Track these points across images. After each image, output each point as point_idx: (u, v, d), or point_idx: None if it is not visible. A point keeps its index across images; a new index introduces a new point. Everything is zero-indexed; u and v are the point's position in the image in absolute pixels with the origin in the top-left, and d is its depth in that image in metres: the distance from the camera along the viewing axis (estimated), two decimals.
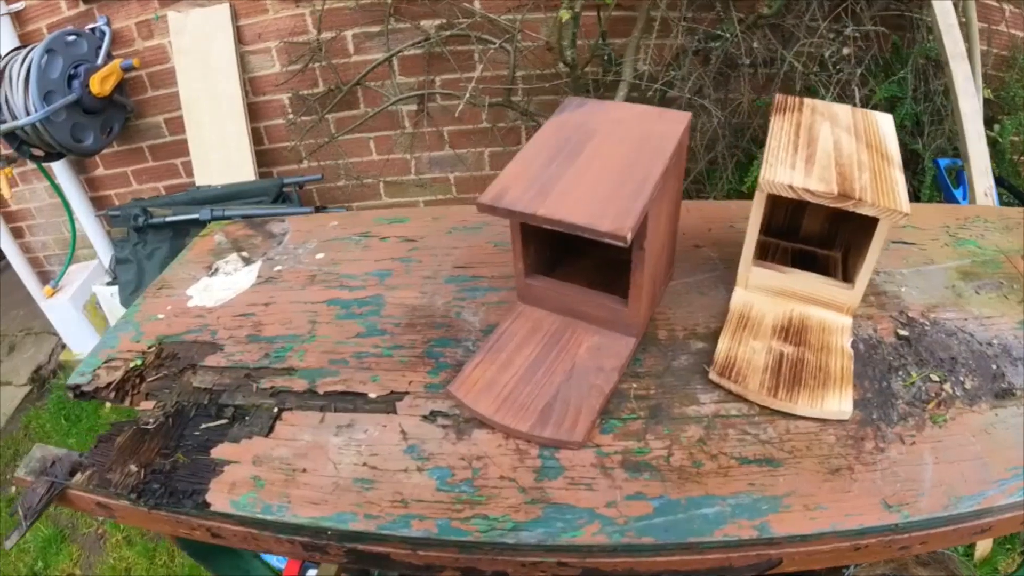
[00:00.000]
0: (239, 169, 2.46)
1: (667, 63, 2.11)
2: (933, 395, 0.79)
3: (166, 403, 0.85)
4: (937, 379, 0.82)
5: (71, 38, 2.31)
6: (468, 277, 0.99)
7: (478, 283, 0.98)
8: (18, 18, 2.52)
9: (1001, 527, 0.70)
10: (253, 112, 2.56)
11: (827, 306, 0.89)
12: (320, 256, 1.10)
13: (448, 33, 2.21)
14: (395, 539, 0.66)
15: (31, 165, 2.67)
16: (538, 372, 0.78)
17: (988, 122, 2.43)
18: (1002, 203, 2.31)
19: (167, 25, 2.46)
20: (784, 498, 0.68)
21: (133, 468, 0.77)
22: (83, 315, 2.86)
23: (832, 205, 0.77)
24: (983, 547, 1.97)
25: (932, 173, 2.30)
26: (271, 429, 0.78)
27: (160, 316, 1.02)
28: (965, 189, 2.01)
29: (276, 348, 0.91)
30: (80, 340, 2.92)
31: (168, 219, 2.27)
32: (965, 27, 2.05)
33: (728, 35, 2.02)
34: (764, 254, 0.99)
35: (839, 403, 0.76)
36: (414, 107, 2.51)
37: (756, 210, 0.84)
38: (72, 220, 2.83)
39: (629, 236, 0.65)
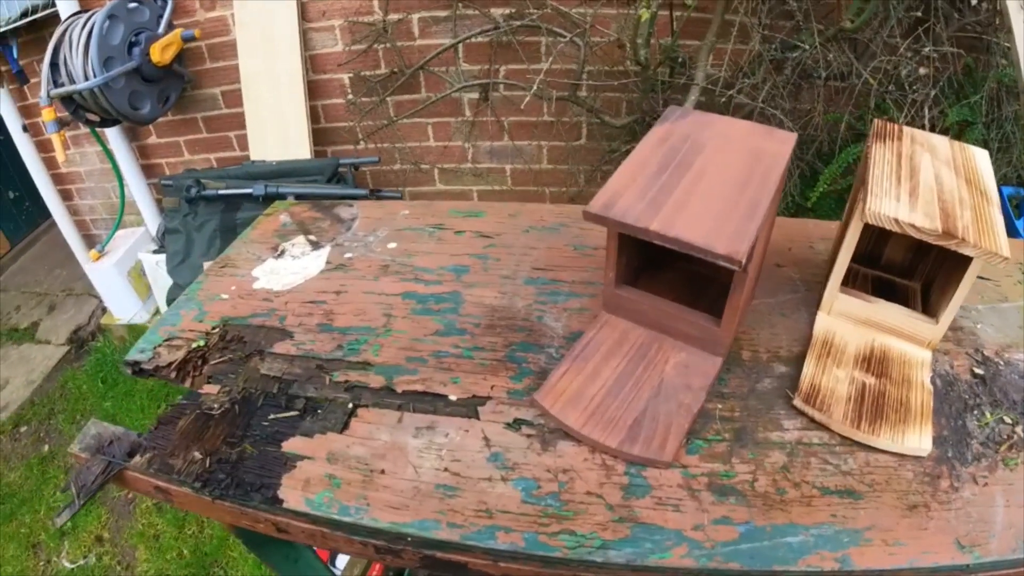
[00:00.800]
0: (295, 146, 2.45)
1: (740, 70, 2.06)
2: (1005, 437, 0.78)
3: (232, 389, 0.84)
4: (1010, 421, 0.80)
5: (133, 5, 2.30)
6: (548, 280, 0.97)
7: (559, 287, 0.95)
8: None
9: None
10: (312, 90, 2.55)
11: (909, 339, 0.88)
12: (392, 246, 1.08)
13: (518, 23, 2.18)
14: (479, 550, 0.65)
15: (84, 129, 2.68)
16: (626, 386, 0.77)
17: None
18: None
19: None
20: (865, 531, 0.67)
21: (197, 455, 0.76)
22: (127, 281, 2.88)
23: (935, 243, 0.75)
24: None
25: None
26: (346, 425, 0.77)
27: (224, 296, 1.01)
28: None
29: (350, 340, 0.89)
30: (121, 305, 2.94)
31: (221, 192, 2.26)
32: None
33: (807, 46, 1.97)
34: (845, 280, 0.97)
35: (919, 439, 0.75)
36: (476, 95, 2.49)
37: (851, 237, 0.82)
38: (122, 186, 2.85)
39: (744, 261, 0.64)
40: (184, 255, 2.37)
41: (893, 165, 0.86)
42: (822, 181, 2.16)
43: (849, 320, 0.90)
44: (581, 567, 0.64)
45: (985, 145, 2.26)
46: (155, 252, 2.77)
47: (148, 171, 2.91)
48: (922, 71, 2.10)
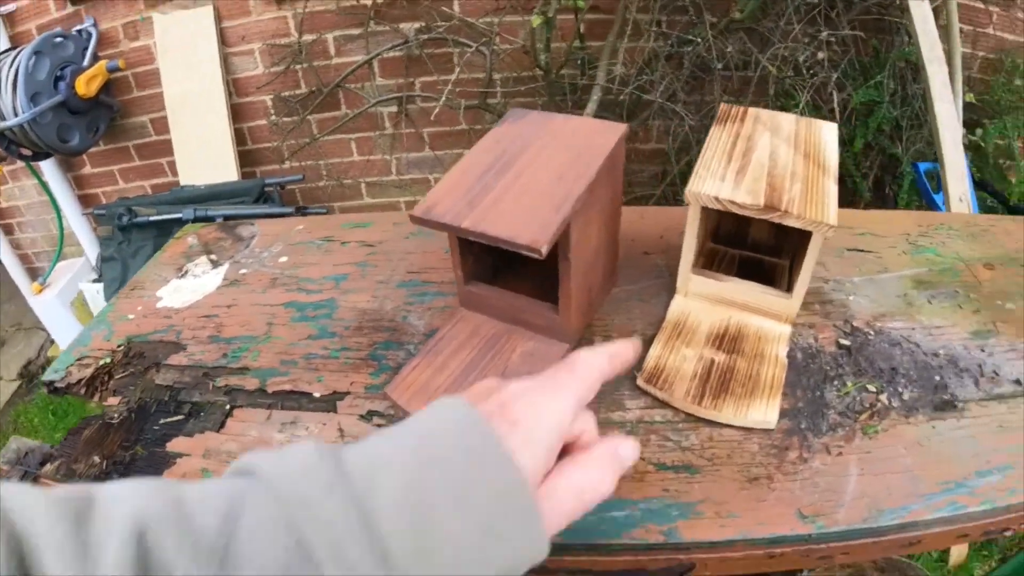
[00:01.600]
0: (222, 169, 2.49)
1: (639, 67, 2.13)
2: (868, 406, 0.79)
3: (130, 399, 0.89)
4: (874, 389, 0.81)
5: (58, 40, 2.34)
6: (419, 282, 1.02)
7: (427, 288, 1.01)
8: (9, 20, 2.56)
9: (932, 541, 0.70)
10: (237, 113, 2.59)
11: (766, 315, 0.90)
12: (283, 260, 1.13)
13: (426, 36, 2.24)
14: None
15: (20, 163, 2.70)
16: (471, 375, 0.81)
17: (972, 126, 2.44)
18: (986, 207, 2.32)
19: (152, 26, 2.49)
20: (697, 505, 0.68)
21: (96, 459, 0.80)
22: (70, 312, 2.89)
23: (758, 217, 0.78)
24: (958, 553, 1.98)
25: (911, 177, 2.31)
26: (222, 425, 0.82)
27: (131, 316, 1.05)
28: None
29: (233, 348, 0.94)
30: (68, 336, 2.96)
31: (152, 218, 2.30)
32: (946, 29, 2.05)
33: (700, 39, 2.04)
34: (711, 262, 1.01)
35: (764, 412, 0.76)
36: (394, 109, 2.54)
37: (691, 220, 0.85)
38: (60, 218, 2.87)
39: (545, 248, 0.67)
40: (121, 282, 2.40)
41: (728, 146, 0.88)
42: None
43: (706, 300, 0.92)
44: None
45: (896, 123, 2.34)
46: (95, 281, 2.80)
47: (85, 201, 2.93)
48: (820, 55, 2.16)
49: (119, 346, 0.99)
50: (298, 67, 2.48)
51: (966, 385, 0.82)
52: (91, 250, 2.95)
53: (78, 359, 0.98)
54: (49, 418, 2.76)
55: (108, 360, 0.97)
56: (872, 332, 0.90)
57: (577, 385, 0.51)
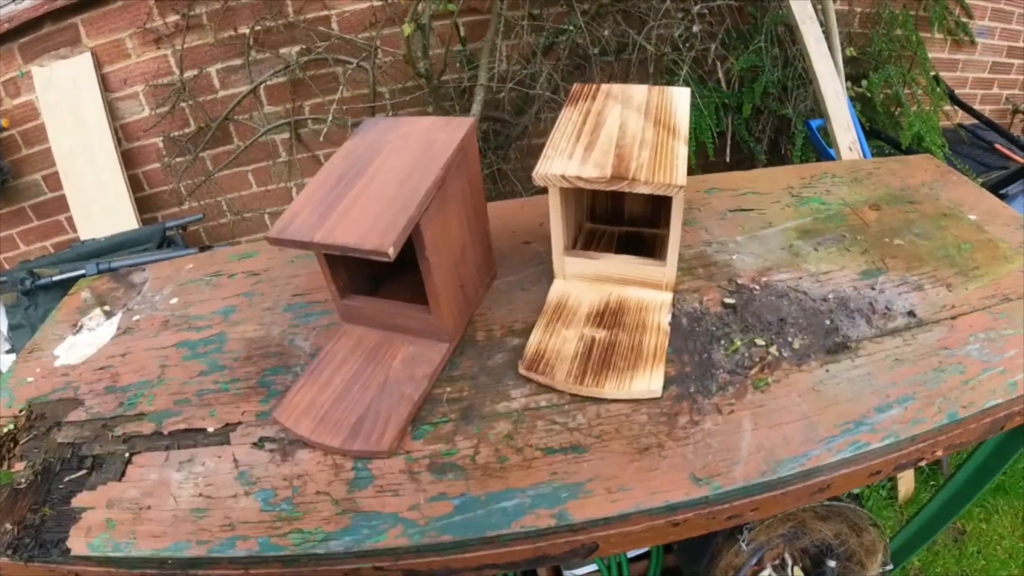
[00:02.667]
0: (121, 218, 2.45)
1: (516, 62, 2.17)
2: (757, 360, 0.82)
3: (35, 462, 0.88)
4: (763, 343, 0.84)
5: None
6: (304, 304, 1.03)
7: (312, 308, 1.02)
8: None
9: (842, 483, 0.72)
10: (128, 159, 2.55)
11: (645, 285, 0.92)
12: (174, 301, 1.14)
13: (307, 59, 2.24)
14: (224, 560, 0.71)
15: None
16: (354, 388, 0.83)
17: (857, 79, 2.55)
18: (884, 155, 2.41)
19: (33, 81, 2.43)
20: (586, 484, 0.71)
21: (8, 526, 0.80)
22: None
23: (607, 188, 0.79)
24: (906, 487, 2.07)
25: (804, 135, 2.39)
26: (123, 473, 0.83)
27: (30, 379, 1.04)
28: None
29: (129, 396, 0.94)
30: None
31: (55, 278, 2.25)
32: None
33: (572, 27, 2.09)
34: (591, 241, 1.03)
35: (648, 382, 0.78)
36: (286, 135, 2.54)
37: (553, 203, 0.86)
38: None
39: (391, 251, 0.69)
40: None
41: (577, 124, 0.89)
42: None
43: (584, 280, 0.94)
44: (311, 561, 0.70)
45: (784, 87, 2.42)
46: (8, 352, 2.72)
47: None
48: (695, 28, 2.23)
49: (20, 411, 0.98)
50: (184, 105, 2.46)
51: (858, 325, 0.86)
52: (4, 319, 2.86)
53: None
54: None
55: (12, 426, 0.96)
56: (758, 287, 0.93)
57: None
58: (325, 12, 2.30)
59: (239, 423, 0.85)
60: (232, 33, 2.32)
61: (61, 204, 2.64)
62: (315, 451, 0.79)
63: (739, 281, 0.95)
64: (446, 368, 0.87)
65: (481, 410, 0.81)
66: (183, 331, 1.05)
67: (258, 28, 2.29)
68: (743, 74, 2.39)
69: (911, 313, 0.87)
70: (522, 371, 0.83)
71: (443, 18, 2.18)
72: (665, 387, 0.80)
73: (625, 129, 0.87)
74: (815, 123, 2.30)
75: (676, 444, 0.73)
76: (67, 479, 0.84)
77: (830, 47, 2.02)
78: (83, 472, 0.85)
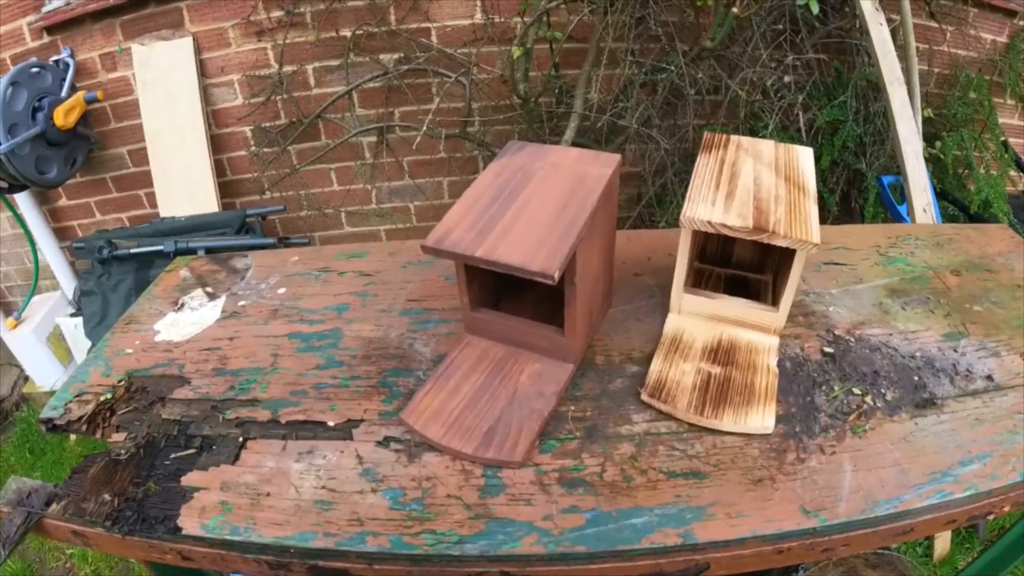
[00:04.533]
0: (203, 200, 2.49)
1: (615, 95, 2.19)
2: (855, 407, 0.85)
3: (137, 435, 0.90)
4: (859, 392, 0.88)
5: (35, 70, 2.34)
6: (420, 310, 1.05)
7: (430, 316, 1.04)
8: None
9: (923, 528, 0.76)
10: (216, 144, 2.61)
11: (755, 328, 0.96)
12: (282, 291, 1.15)
13: (406, 67, 2.28)
14: (352, 555, 0.72)
15: None
16: (483, 398, 0.85)
17: (931, 139, 2.54)
18: (949, 216, 2.42)
19: (131, 57, 2.50)
20: (708, 508, 0.74)
21: (107, 497, 0.81)
22: (47, 347, 2.85)
23: (748, 238, 0.84)
24: (942, 547, 2.04)
25: (876, 191, 2.40)
26: (237, 457, 0.84)
27: (129, 351, 1.06)
28: None
29: (241, 380, 0.96)
30: (43, 372, 2.91)
31: (132, 251, 2.29)
32: (904, 49, 2.13)
33: (672, 67, 2.11)
34: (699, 280, 1.06)
35: (762, 419, 0.82)
36: (374, 138, 2.57)
37: (683, 243, 0.91)
38: (35, 251, 2.84)
39: (557, 275, 0.72)
40: (101, 316, 2.39)
41: (715, 172, 0.94)
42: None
43: (699, 318, 0.98)
44: (442, 561, 0.71)
45: (860, 140, 2.42)
46: (72, 315, 2.77)
47: (61, 234, 2.91)
48: (786, 79, 2.25)
49: (120, 381, 1.00)
50: (278, 98, 2.51)
51: (943, 384, 0.89)
52: (67, 284, 2.92)
53: (77, 395, 0.98)
54: (26, 456, 2.71)
55: (109, 395, 0.97)
56: (853, 339, 0.97)
57: None
58: (427, 24, 2.34)
59: (362, 420, 0.86)
60: (334, 34, 2.36)
61: (143, 179, 2.70)
62: (443, 456, 0.81)
63: (836, 332, 0.98)
64: (569, 388, 0.89)
65: (605, 430, 0.84)
66: (295, 322, 1.07)
67: (359, 32, 2.34)
68: (824, 126, 2.41)
69: (989, 377, 0.90)
70: (644, 397, 0.86)
71: (542, 43, 2.21)
72: (775, 425, 0.84)
73: (760, 183, 0.91)
74: (886, 179, 2.36)
75: (786, 478, 0.77)
76: (173, 456, 0.86)
77: (912, 107, 2.05)
78: (191, 451, 0.86)
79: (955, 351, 0.94)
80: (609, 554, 0.71)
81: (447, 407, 0.84)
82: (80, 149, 2.57)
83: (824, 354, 0.94)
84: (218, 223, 2.37)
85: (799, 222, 0.83)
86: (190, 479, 0.82)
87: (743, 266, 1.09)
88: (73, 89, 2.47)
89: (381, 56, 2.38)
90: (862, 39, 2.35)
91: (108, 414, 0.95)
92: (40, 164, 2.37)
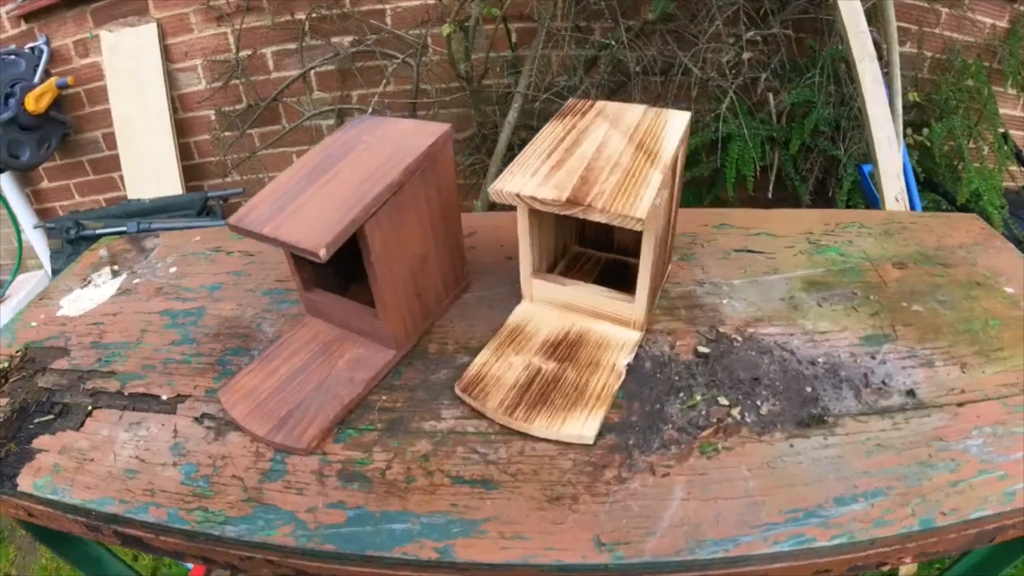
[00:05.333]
0: (168, 183, 2.55)
1: (556, 73, 2.17)
2: (715, 420, 0.74)
3: (15, 400, 0.95)
4: (726, 403, 0.76)
5: (9, 57, 2.41)
6: (282, 290, 1.07)
7: (288, 296, 1.05)
8: None
9: None
10: (182, 128, 2.66)
11: (614, 321, 0.86)
12: (173, 270, 1.19)
13: (355, 50, 2.30)
14: (137, 523, 0.74)
15: None
16: (295, 381, 0.84)
17: (918, 126, 2.40)
18: (940, 209, 2.27)
19: (100, 43, 2.56)
20: (483, 523, 0.66)
21: None
22: None
23: (561, 212, 0.74)
24: (907, 568, 1.97)
25: (853, 179, 2.26)
26: (82, 424, 0.88)
27: (33, 324, 1.11)
28: None
29: (107, 354, 1.00)
30: None
31: (98, 231, 2.36)
32: (883, 28, 2.00)
33: (614, 43, 2.08)
34: (574, 265, 1.01)
35: (581, 426, 0.72)
36: (332, 121, 2.60)
37: (522, 222, 0.83)
38: (18, 232, 2.93)
39: (323, 252, 0.69)
40: None
41: (556, 139, 0.83)
42: None
43: (551, 306, 0.90)
44: (208, 540, 0.71)
45: (836, 125, 2.29)
46: None
47: (43, 215, 2.99)
48: (746, 55, 2.16)
49: (17, 352, 1.05)
50: (238, 81, 2.54)
51: (844, 398, 0.76)
52: (49, 263, 3.01)
53: None
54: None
55: (6, 364, 1.02)
56: (740, 339, 0.85)
57: None
58: (380, 6, 2.35)
59: (189, 396, 0.89)
60: (289, 18, 2.38)
61: (116, 162, 2.76)
62: (245, 436, 0.81)
63: (721, 329, 0.87)
64: (390, 376, 0.87)
65: (408, 424, 0.79)
66: (171, 300, 1.10)
67: (314, 15, 2.36)
68: (796, 108, 2.30)
69: (911, 392, 0.77)
70: (458, 391, 0.80)
71: (492, 22, 2.19)
72: (603, 434, 0.74)
73: (603, 150, 0.80)
74: (869, 167, 2.17)
75: (593, 500, 0.67)
76: (36, 421, 0.90)
77: (891, 90, 1.90)
78: (50, 417, 0.90)
79: (872, 358, 0.81)
80: (359, 558, 0.67)
81: (260, 387, 0.84)
82: (54, 133, 2.64)
83: (697, 355, 0.83)
84: (181, 205, 2.42)
85: (627, 194, 0.71)
86: (40, 442, 0.86)
87: (625, 250, 1.01)
88: (47, 75, 2.54)
89: (334, 39, 2.40)
90: (834, 15, 2.18)
91: (3, 381, 1.00)
92: (12, 148, 2.45)
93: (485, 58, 2.21)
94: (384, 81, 2.29)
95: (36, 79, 2.49)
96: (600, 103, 0.91)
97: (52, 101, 2.51)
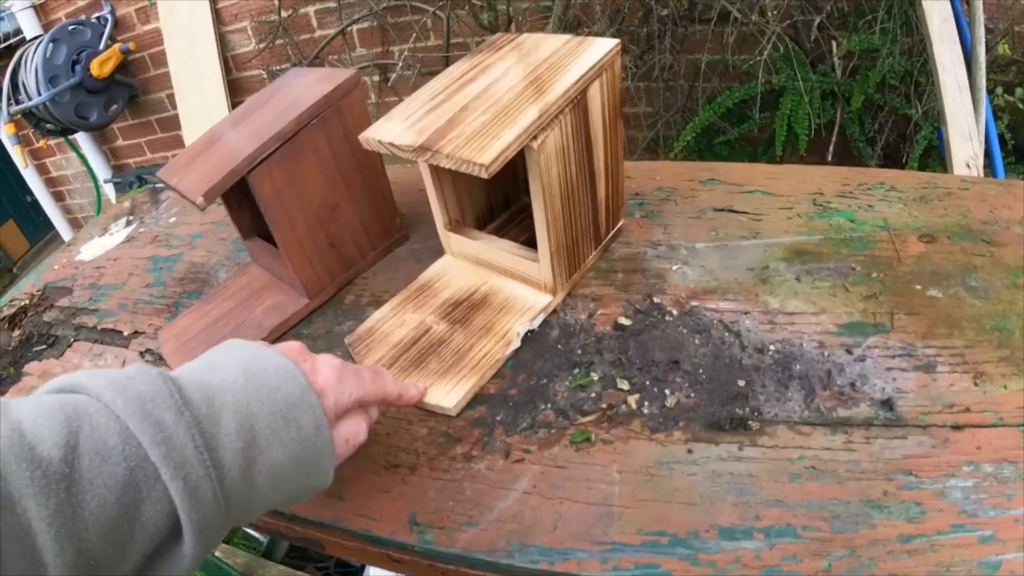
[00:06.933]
0: None
1: (583, 23, 2.09)
2: (603, 407, 0.64)
3: (23, 332, 1.09)
4: (625, 387, 0.65)
5: (75, 27, 2.62)
6: None
7: None
8: (41, 9, 2.85)
9: None
10: (235, 87, 2.80)
11: (526, 282, 0.79)
12: (172, 220, 1.31)
13: (386, 4, 2.33)
14: None
15: (63, 138, 3.01)
16: (218, 323, 0.90)
17: (1011, 87, 1.98)
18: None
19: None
20: None
21: None
22: None
23: (413, 159, 0.67)
24: None
25: (928, 143, 1.91)
26: (62, 354, 1.01)
27: (56, 267, 1.26)
28: None
29: (98, 294, 1.13)
30: None
31: (157, 185, 2.54)
32: None
33: None
34: (514, 219, 0.94)
35: (444, 395, 0.68)
36: (377, 77, 2.66)
37: (424, 170, 0.78)
38: (97, 186, 3.19)
39: (200, 200, 0.72)
40: None
41: (450, 80, 0.75)
42: (690, 128, 2.04)
43: (469, 262, 0.86)
44: None
45: (912, 78, 1.94)
46: None
47: (119, 171, 3.23)
48: None
49: (37, 291, 1.19)
50: (282, 41, 2.63)
51: (787, 399, 0.60)
52: None
53: (9, 301, 1.19)
54: None
55: (26, 302, 1.17)
56: (675, 312, 0.73)
57: (368, 390, 0.56)
58: None
59: (143, 333, 0.99)
60: None
61: (179, 121, 2.94)
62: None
63: (656, 299, 0.74)
64: (302, 324, 0.89)
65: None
66: (160, 247, 1.22)
67: None
68: (861, 60, 1.98)
69: (887, 403, 0.58)
70: (346, 343, 0.80)
71: None
72: (474, 406, 0.69)
73: (492, 88, 0.70)
74: None
75: (430, 474, 0.62)
76: (34, 350, 1.04)
77: (973, 36, 1.57)
78: (44, 347, 1.04)
79: (848, 352, 0.64)
80: None
81: (191, 328, 0.92)
82: (120, 95, 2.84)
83: (616, 327, 0.73)
84: None
85: (484, 137, 0.62)
86: (30, 367, 1.00)
87: None
88: (113, 41, 2.73)
89: None
90: None
91: (23, 316, 1.15)
92: (80, 109, 2.66)
93: (508, 8, 2.19)
94: (414, 35, 2.31)
95: (101, 46, 2.69)
96: (524, 35, 0.80)
97: (116, 66, 2.71)
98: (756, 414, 0.59)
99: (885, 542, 0.48)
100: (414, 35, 2.31)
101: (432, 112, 0.69)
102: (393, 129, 0.68)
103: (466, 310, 0.79)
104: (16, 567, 0.34)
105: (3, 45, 2.88)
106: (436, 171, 0.79)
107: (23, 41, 2.82)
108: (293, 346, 0.56)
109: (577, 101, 0.68)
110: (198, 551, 0.42)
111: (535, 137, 0.64)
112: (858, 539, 0.49)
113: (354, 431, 0.55)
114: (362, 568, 1.56)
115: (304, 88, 0.83)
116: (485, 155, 0.60)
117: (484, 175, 0.59)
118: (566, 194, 0.71)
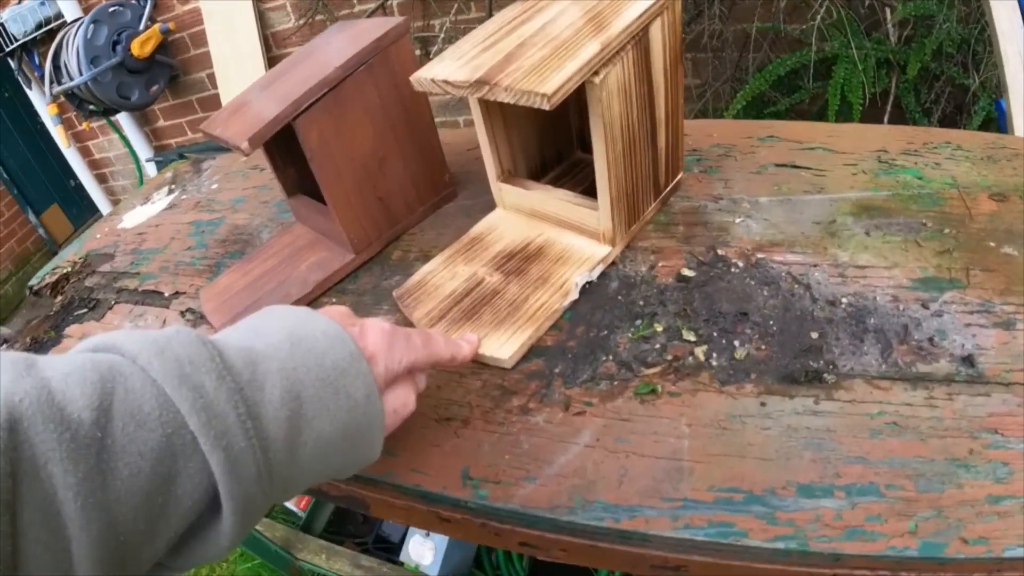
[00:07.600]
0: None
1: None
2: (669, 359, 0.60)
3: (65, 296, 1.09)
4: (692, 339, 0.62)
5: (114, 9, 2.63)
6: None
7: None
8: None
9: (697, 570, 0.49)
10: (274, 65, 2.77)
11: (583, 232, 0.76)
12: (215, 187, 1.30)
13: None
14: None
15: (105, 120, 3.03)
16: (261, 280, 0.88)
17: None
18: None
19: None
20: None
21: (28, 339, 1.01)
22: None
23: (470, 95, 0.64)
24: None
25: (986, 115, 1.78)
26: (103, 316, 1.00)
27: (99, 236, 1.26)
28: None
29: (139, 258, 1.12)
30: None
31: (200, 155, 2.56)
32: None
33: None
34: (568, 173, 0.91)
35: (498, 346, 0.65)
36: (419, 52, 2.62)
37: (476, 114, 0.75)
38: (138, 165, 3.21)
39: (245, 146, 0.69)
40: None
41: (502, 23, 0.71)
42: (740, 97, 1.96)
43: (522, 214, 0.83)
44: None
45: (969, 46, 1.85)
46: None
47: (161, 151, 3.26)
48: None
49: (80, 259, 1.19)
50: (323, 17, 2.60)
51: (864, 353, 0.57)
52: None
53: (52, 268, 1.19)
54: None
55: (69, 269, 1.17)
56: (741, 264, 0.69)
57: (420, 355, 0.53)
58: None
59: (185, 293, 0.98)
60: None
61: (220, 101, 2.95)
62: (213, 329, 0.85)
63: (720, 251, 0.71)
64: (347, 280, 0.87)
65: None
66: (202, 212, 1.20)
67: None
68: (917, 26, 1.89)
69: (968, 359, 0.55)
70: (395, 296, 0.77)
71: None
72: (530, 358, 0.66)
73: (548, 27, 0.66)
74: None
75: (484, 427, 0.59)
76: (75, 313, 1.03)
77: None
78: (84, 311, 1.03)
79: (924, 307, 0.60)
80: None
81: (233, 286, 0.89)
82: (161, 75, 2.85)
83: (680, 279, 0.69)
84: None
85: (546, 69, 0.59)
86: (70, 330, 0.99)
87: None
88: (152, 22, 2.74)
89: None
90: None
91: (65, 282, 1.15)
92: (122, 89, 2.68)
93: None
94: (456, 7, 2.28)
95: (141, 26, 2.70)
96: None
97: (156, 46, 2.71)
98: (831, 367, 0.56)
99: (973, 502, 0.46)
100: (456, 6, 2.27)
101: (487, 51, 0.66)
102: (447, 68, 0.65)
103: (520, 261, 0.76)
104: (37, 539, 0.31)
105: (44, 30, 2.91)
106: (490, 119, 0.76)
107: (63, 25, 2.85)
108: (340, 309, 0.53)
109: (639, 39, 0.64)
110: (238, 530, 0.38)
111: (596, 72, 0.61)
112: (944, 499, 0.46)
113: (403, 401, 0.52)
114: (400, 543, 1.55)
115: (353, 38, 0.81)
116: (547, 85, 0.56)
117: (546, 106, 0.56)
118: (627, 138, 0.68)
